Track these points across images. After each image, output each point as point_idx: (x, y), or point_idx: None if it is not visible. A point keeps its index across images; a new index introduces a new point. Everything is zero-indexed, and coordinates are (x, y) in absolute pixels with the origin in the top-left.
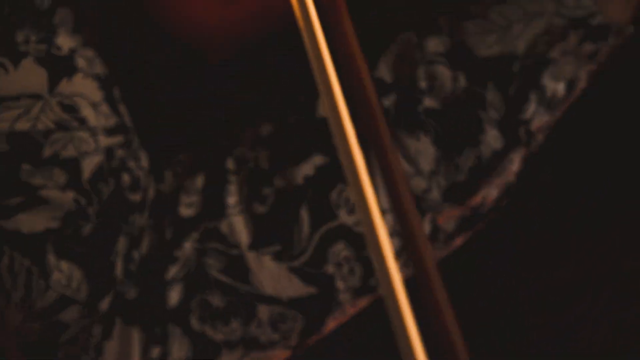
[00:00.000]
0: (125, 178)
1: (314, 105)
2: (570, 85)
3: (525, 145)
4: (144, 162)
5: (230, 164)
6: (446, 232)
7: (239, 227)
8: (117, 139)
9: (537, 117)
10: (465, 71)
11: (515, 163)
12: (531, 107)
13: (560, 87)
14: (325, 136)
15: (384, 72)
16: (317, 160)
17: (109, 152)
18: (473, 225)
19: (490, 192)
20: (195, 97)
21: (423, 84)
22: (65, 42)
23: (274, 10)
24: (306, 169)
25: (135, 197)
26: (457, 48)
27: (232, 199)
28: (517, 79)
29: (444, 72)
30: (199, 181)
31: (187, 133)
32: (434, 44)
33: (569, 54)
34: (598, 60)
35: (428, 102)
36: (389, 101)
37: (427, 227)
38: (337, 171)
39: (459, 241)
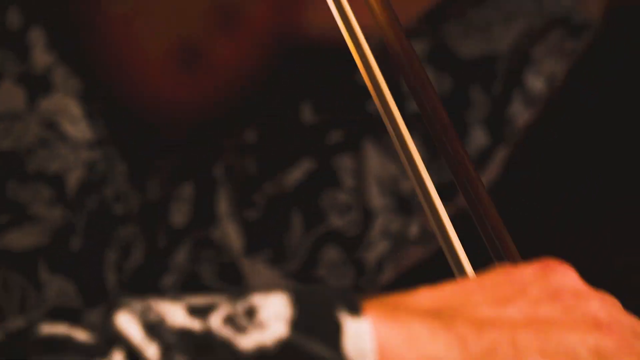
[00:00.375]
0: (108, 190)
1: (297, 110)
2: (550, 82)
3: (509, 143)
4: (124, 173)
5: (217, 171)
6: (431, 232)
7: (231, 234)
8: (97, 153)
9: (520, 114)
10: (449, 73)
11: (499, 160)
12: (515, 105)
13: (541, 85)
14: (311, 140)
15: None
16: (306, 165)
17: (91, 166)
18: (457, 224)
19: None
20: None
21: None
22: (40, 60)
23: (246, 77)
24: (296, 174)
25: (120, 208)
26: (440, 50)
27: (223, 207)
28: (500, 79)
29: (428, 75)
30: (188, 190)
31: (166, 140)
32: (416, 47)
33: (551, 52)
34: (575, 56)
35: (414, 105)
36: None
37: (415, 229)
38: (326, 175)
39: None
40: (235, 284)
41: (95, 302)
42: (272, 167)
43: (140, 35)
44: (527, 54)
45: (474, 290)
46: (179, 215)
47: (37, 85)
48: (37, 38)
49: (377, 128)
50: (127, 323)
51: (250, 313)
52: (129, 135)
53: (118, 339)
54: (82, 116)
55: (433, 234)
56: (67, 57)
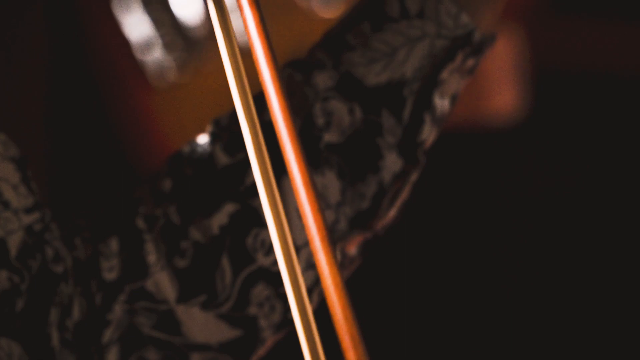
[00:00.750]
0: (48, 251)
1: (210, 154)
2: (454, 99)
3: (421, 164)
4: (57, 233)
5: (140, 223)
6: (350, 257)
7: (164, 283)
8: (34, 216)
9: (430, 135)
10: (359, 102)
11: (412, 182)
12: (426, 128)
13: (446, 103)
14: (230, 184)
15: None
16: (229, 208)
17: (29, 229)
18: (372, 246)
19: (390, 213)
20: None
21: (321, 121)
22: None
23: None
24: (220, 219)
25: (59, 267)
26: (346, 80)
27: (151, 257)
28: (409, 103)
29: (338, 106)
30: (114, 244)
31: (86, 197)
32: (323, 79)
33: (455, 72)
34: (474, 72)
35: (328, 137)
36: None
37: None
38: (250, 216)
39: (357, 263)
40: (173, 331)
41: None
42: (195, 214)
43: (178, 109)
44: (433, 76)
45: None
46: (111, 270)
47: None
48: None
49: None
50: None
51: None
52: (59, 197)
53: None
54: (20, 182)
55: (352, 259)
56: (3, 125)
